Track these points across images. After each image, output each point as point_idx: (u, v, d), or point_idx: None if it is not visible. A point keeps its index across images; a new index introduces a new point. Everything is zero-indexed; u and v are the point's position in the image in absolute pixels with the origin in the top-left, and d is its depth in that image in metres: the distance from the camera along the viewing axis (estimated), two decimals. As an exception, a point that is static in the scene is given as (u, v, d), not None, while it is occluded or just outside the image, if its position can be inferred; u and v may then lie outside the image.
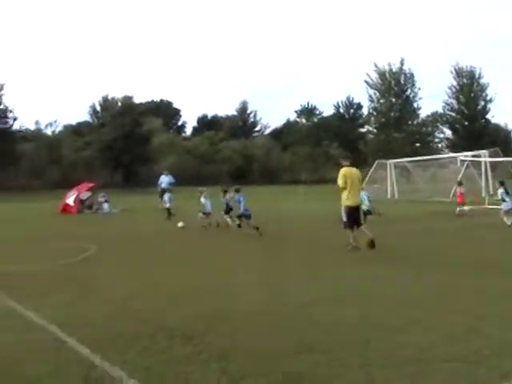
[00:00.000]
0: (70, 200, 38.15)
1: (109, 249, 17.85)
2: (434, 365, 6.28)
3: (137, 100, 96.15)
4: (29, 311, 9.00)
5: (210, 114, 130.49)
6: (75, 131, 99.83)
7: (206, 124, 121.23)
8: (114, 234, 22.51)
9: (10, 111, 79.15)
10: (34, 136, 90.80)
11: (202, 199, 24.97)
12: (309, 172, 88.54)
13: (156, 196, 34.64)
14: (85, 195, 39.40)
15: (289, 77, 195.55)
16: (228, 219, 23.93)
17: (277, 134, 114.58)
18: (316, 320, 8.31)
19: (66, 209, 37.67)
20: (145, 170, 78.95)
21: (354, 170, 16.40)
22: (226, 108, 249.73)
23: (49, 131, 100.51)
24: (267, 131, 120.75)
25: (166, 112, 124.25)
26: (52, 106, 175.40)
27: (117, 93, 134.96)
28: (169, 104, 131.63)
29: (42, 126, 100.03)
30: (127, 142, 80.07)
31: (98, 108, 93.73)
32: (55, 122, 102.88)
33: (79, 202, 38.18)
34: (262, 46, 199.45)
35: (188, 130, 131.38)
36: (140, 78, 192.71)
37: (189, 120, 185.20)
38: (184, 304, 9.55)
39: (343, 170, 16.13)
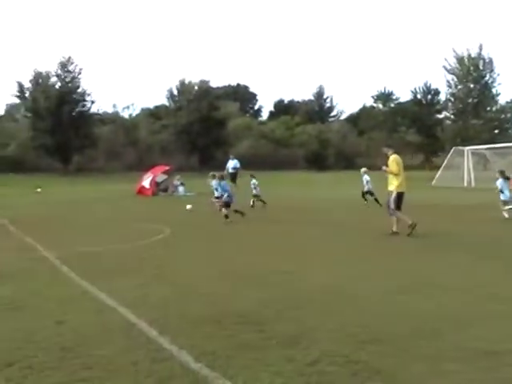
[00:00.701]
0: (146, 182, 38.74)
1: (182, 232, 18.06)
2: (507, 359, 6.14)
3: (214, 84, 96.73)
4: (101, 292, 9.19)
5: (286, 99, 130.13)
6: (152, 114, 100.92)
7: (283, 108, 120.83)
8: (187, 217, 22.74)
9: (88, 94, 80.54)
10: (112, 119, 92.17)
11: (214, 182, 25.04)
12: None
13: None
14: (160, 178, 39.93)
15: (365, 62, 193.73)
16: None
17: (353, 119, 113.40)
18: (385, 309, 8.23)
19: (141, 191, 38.29)
20: (220, 153, 79.22)
21: (399, 157, 16.85)
22: (303, 93, 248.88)
23: (126, 114, 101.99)
24: (343, 116, 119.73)
25: (242, 96, 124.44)
26: (129, 89, 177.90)
27: (194, 77, 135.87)
28: (245, 88, 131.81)
29: (120, 109, 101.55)
30: (203, 126, 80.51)
31: (175, 92, 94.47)
32: (132, 105, 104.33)
33: (155, 184, 38.74)
34: (339, 31, 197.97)
35: (264, 115, 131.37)
36: (217, 62, 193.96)
37: (265, 104, 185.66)
38: (254, 289, 9.58)
39: (396, 157, 16.67)
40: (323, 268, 11.55)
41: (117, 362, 6.10)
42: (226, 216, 20.86)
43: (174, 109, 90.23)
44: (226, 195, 21.72)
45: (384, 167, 16.84)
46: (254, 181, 28.37)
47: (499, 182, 21.55)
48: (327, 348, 6.48)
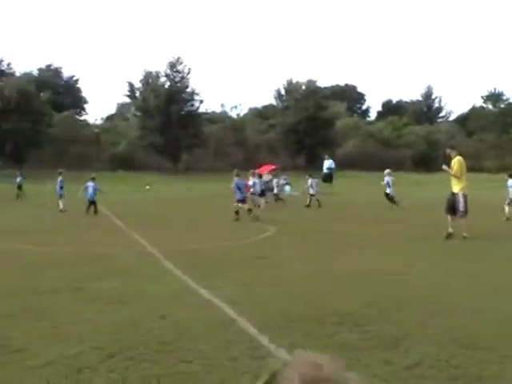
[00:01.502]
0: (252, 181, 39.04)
1: (287, 231, 18.11)
2: None
3: (321, 84, 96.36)
4: (204, 289, 9.34)
5: (394, 99, 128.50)
6: (260, 114, 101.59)
7: (391, 109, 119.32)
8: (292, 216, 22.79)
9: (197, 94, 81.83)
10: (220, 118, 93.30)
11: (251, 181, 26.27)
12: (494, 160, 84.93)
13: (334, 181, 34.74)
14: (266, 177, 40.16)
15: (475, 61, 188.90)
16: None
17: (462, 120, 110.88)
18: (489, 315, 7.98)
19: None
20: (327, 153, 79.05)
21: (462, 159, 16.59)
22: (411, 93, 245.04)
23: (234, 114, 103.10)
24: (452, 117, 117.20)
25: (350, 96, 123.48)
26: (237, 89, 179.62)
27: (301, 77, 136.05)
28: (353, 88, 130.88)
29: (228, 109, 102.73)
30: (310, 125, 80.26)
31: (283, 91, 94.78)
32: (240, 105, 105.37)
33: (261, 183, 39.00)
34: (449, 30, 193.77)
35: (372, 115, 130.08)
36: (325, 62, 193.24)
37: (373, 105, 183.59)
38: (356, 289, 9.55)
39: (460, 158, 16.38)
40: (428, 269, 11.36)
41: (216, 358, 6.18)
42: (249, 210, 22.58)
43: (281, 108, 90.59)
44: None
45: (445, 167, 16.56)
46: (310, 180, 29.34)
47: (509, 184, 21.78)
48: (427, 351, 6.37)
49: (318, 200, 28.08)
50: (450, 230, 16.14)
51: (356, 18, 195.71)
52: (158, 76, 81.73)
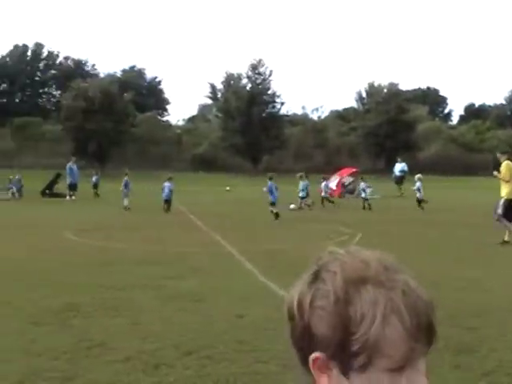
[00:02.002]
0: (333, 184, 38.92)
1: (366, 235, 17.94)
2: None
3: (403, 87, 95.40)
4: (282, 290, 9.32)
5: (477, 103, 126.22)
6: (341, 116, 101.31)
7: (473, 112, 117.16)
8: (372, 219, 22.55)
9: (278, 96, 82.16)
10: (301, 120, 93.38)
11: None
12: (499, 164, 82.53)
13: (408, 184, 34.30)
14: (347, 180, 39.99)
15: None
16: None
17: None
18: None
19: (329, 193, 38.52)
20: (408, 157, 78.24)
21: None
22: (494, 96, 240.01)
23: (315, 116, 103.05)
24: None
25: (432, 100, 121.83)
26: (319, 92, 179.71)
27: (383, 80, 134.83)
28: (435, 91, 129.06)
29: (309, 111, 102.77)
30: (391, 129, 79.59)
31: (364, 94, 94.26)
32: (321, 107, 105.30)
33: (342, 186, 38.85)
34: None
35: (454, 119, 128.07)
36: (407, 65, 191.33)
37: (455, 108, 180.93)
38: (433, 293, 9.35)
39: (508, 163, 16.33)
40: (508, 275, 11.09)
41: (292, 359, 6.14)
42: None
43: (362, 111, 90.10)
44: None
45: (495, 172, 16.63)
46: (362, 184, 30.19)
47: None
48: (504, 358, 6.21)
49: (369, 204, 28.33)
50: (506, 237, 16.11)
51: (438, 21, 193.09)
52: (239, 78, 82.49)
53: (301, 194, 29.71)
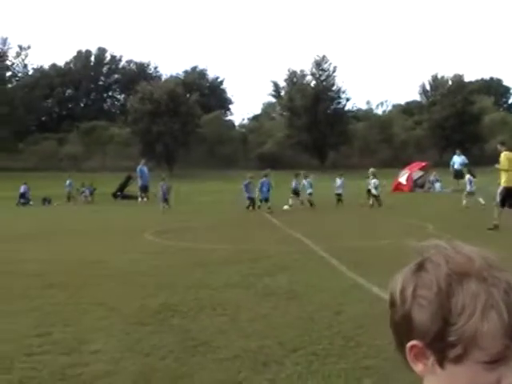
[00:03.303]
0: (403, 179, 38.61)
1: (445, 229, 17.70)
2: None
3: (467, 78, 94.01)
4: (372, 285, 9.29)
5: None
6: (404, 110, 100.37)
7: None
8: (450, 213, 22.24)
9: (343, 92, 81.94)
10: (366, 116, 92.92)
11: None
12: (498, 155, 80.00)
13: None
14: (417, 174, 39.58)
15: None
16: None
17: None
18: None
19: (398, 187, 38.21)
20: (476, 149, 76.98)
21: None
22: None
23: (380, 111, 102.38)
24: None
25: (496, 90, 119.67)
26: (383, 86, 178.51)
27: (447, 72, 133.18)
28: (499, 81, 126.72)
29: (373, 106, 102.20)
30: (458, 121, 78.53)
31: (428, 87, 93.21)
32: (386, 101, 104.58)
33: (411, 180, 38.48)
34: None
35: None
36: (470, 55, 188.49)
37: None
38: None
39: (507, 153, 17.29)
40: None
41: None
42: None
43: (427, 104, 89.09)
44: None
45: (496, 165, 17.57)
46: (374, 180, 28.12)
47: None
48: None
49: (378, 200, 27.62)
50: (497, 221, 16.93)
51: (497, 11, 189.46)
52: (303, 75, 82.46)
53: (308, 191, 28.71)
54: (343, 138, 77.55)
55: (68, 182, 41.97)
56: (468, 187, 26.25)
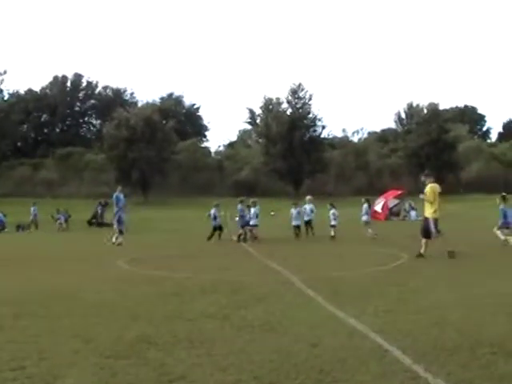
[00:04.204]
0: (378, 207, 38.80)
1: (421, 258, 17.77)
2: None
3: (442, 106, 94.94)
4: (350, 317, 9.27)
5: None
6: (380, 138, 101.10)
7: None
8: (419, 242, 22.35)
9: (319, 120, 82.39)
10: (342, 143, 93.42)
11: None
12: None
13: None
14: (392, 202, 39.80)
15: None
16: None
17: None
18: None
19: (374, 216, 38.34)
20: (451, 177, 77.68)
21: (437, 186, 18.20)
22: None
23: (355, 138, 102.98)
24: None
25: (470, 118, 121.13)
26: (358, 113, 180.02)
27: (422, 100, 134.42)
28: (473, 109, 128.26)
29: (349, 134, 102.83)
30: (433, 149, 79.22)
31: (403, 115, 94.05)
32: (361, 129, 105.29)
33: (387, 208, 38.66)
34: None
35: (493, 136, 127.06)
36: (445, 84, 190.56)
37: (494, 126, 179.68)
38: (505, 317, 9.27)
39: (433, 186, 18.03)
40: None
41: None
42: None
43: (402, 132, 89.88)
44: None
45: (421, 195, 18.19)
46: (333, 211, 27.68)
47: (500, 209, 21.30)
48: None
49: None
50: (422, 250, 17.69)
51: (472, 40, 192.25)
52: (279, 102, 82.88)
53: (252, 222, 26.70)
54: (319, 166, 77.86)
55: (32, 208, 41.51)
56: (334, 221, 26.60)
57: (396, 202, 39.94)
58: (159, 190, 76.62)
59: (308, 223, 27.57)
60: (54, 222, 39.32)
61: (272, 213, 46.21)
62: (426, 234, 17.84)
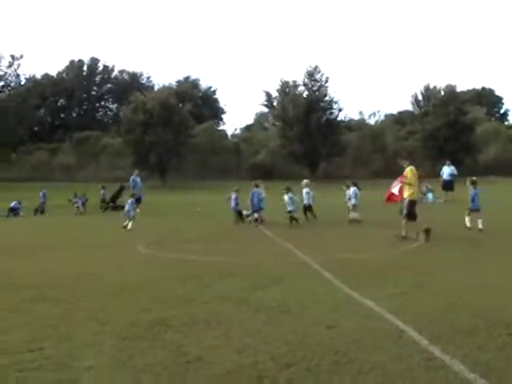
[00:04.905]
0: (395, 189, 38.51)
1: (440, 239, 17.74)
2: None
3: (459, 88, 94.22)
4: (366, 299, 9.30)
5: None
6: (397, 120, 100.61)
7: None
8: (441, 223, 22.27)
9: (335, 102, 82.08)
10: (358, 126, 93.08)
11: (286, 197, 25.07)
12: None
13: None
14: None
15: None
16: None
17: None
18: None
19: (390, 198, 38.08)
20: (469, 159, 77.21)
21: (414, 168, 18.35)
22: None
23: (372, 121, 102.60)
24: None
25: (487, 100, 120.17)
26: (375, 96, 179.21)
27: (439, 82, 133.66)
28: (491, 91, 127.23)
29: (366, 117, 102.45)
30: (451, 131, 78.63)
31: (420, 97, 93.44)
32: (378, 111, 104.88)
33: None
34: None
35: (511, 119, 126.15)
36: (462, 66, 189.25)
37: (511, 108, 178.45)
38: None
39: (412, 168, 18.25)
40: None
41: (392, 368, 6.15)
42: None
43: (419, 114, 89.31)
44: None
45: (400, 178, 18.97)
46: (353, 188, 26.22)
47: (471, 192, 20.88)
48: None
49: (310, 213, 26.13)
50: (403, 233, 17.86)
51: (490, 22, 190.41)
52: (295, 85, 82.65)
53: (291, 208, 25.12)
54: (336, 149, 77.67)
55: (41, 193, 41.45)
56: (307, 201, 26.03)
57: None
58: (176, 173, 76.79)
59: (308, 208, 26.57)
60: (71, 206, 39.39)
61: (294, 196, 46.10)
62: (410, 215, 18.02)
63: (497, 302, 9.13)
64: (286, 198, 24.89)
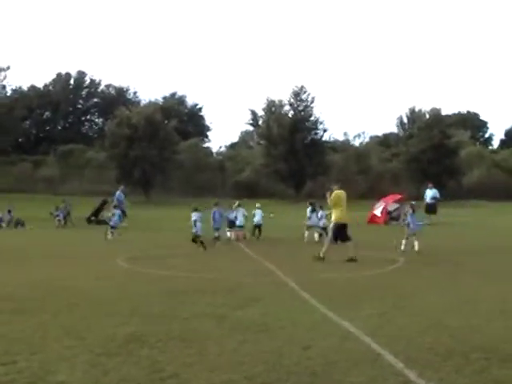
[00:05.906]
0: (378, 211, 38.67)
1: (417, 261, 17.78)
2: None
3: (444, 112, 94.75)
4: (344, 320, 9.27)
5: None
6: (382, 142, 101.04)
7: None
8: (422, 245, 22.30)
9: (320, 123, 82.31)
10: (343, 147, 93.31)
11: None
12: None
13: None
14: (392, 206, 39.61)
15: None
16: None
17: None
18: None
19: (373, 219, 38.26)
20: (453, 182, 77.60)
21: (344, 192, 18.89)
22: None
23: (357, 142, 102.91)
24: None
25: (472, 123, 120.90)
26: (360, 117, 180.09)
27: (424, 105, 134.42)
28: (475, 116, 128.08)
29: (351, 138, 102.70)
30: (435, 154, 79.02)
31: (405, 120, 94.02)
32: (363, 133, 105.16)
33: (386, 213, 38.52)
34: None
35: (495, 143, 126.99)
36: (447, 89, 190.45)
37: (496, 132, 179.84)
38: (501, 322, 9.30)
39: (337, 192, 18.72)
40: None
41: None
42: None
43: (404, 137, 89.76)
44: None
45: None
46: (321, 212, 26.92)
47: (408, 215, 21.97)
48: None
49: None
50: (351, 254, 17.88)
51: (475, 46, 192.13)
52: (281, 105, 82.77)
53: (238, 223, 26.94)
54: (320, 169, 77.79)
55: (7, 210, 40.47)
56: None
57: (396, 206, 39.68)
58: (161, 189, 76.58)
59: (257, 227, 27.76)
60: (52, 219, 39.10)
61: (271, 215, 46.06)
62: (336, 238, 18.61)
63: (476, 323, 9.15)
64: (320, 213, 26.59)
